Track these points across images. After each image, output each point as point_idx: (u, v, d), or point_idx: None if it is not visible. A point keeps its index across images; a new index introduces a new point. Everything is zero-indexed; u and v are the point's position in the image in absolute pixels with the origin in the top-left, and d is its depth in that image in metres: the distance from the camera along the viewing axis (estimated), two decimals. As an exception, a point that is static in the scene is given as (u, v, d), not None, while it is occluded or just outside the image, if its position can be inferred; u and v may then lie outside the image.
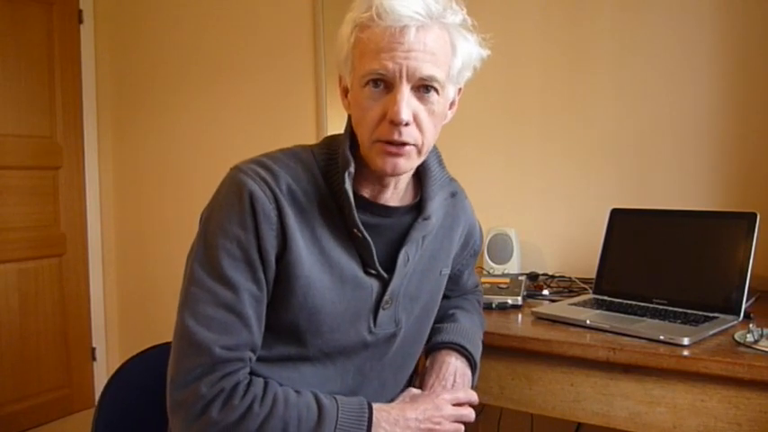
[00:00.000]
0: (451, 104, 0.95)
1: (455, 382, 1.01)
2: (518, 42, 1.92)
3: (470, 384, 1.04)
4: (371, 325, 0.93)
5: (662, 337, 1.10)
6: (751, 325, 1.11)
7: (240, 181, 0.85)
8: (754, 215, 1.27)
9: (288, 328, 0.88)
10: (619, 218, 1.50)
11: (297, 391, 0.86)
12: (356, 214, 0.88)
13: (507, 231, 1.83)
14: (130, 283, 2.94)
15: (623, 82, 1.77)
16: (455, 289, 1.20)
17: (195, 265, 0.84)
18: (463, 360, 1.05)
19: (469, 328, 1.10)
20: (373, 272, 0.92)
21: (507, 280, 1.52)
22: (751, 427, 1.01)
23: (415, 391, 0.99)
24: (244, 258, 0.84)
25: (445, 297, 1.15)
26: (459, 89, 0.96)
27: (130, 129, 2.92)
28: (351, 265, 0.91)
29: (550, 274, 1.81)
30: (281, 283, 0.86)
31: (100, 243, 2.98)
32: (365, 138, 0.87)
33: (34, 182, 2.72)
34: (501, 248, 1.83)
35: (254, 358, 0.86)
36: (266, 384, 0.84)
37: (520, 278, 1.53)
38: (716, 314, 1.23)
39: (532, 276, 1.76)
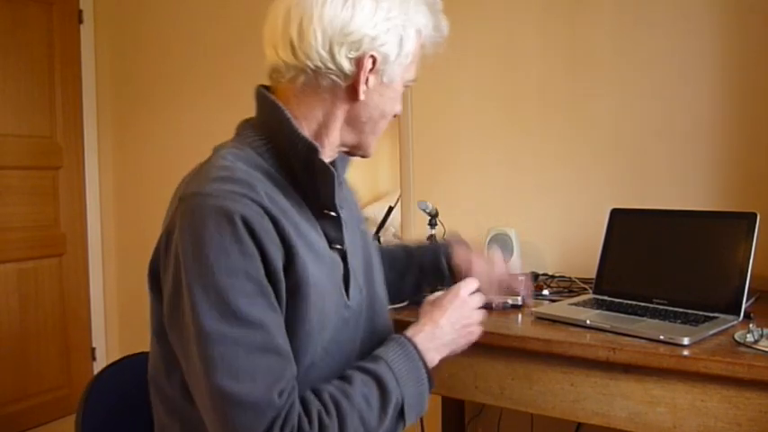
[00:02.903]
0: None
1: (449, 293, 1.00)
2: (518, 43, 1.92)
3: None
4: (346, 299, 0.91)
5: (662, 337, 1.10)
6: (751, 325, 1.11)
7: (223, 207, 0.75)
8: (754, 215, 1.26)
9: (302, 337, 0.83)
10: (619, 218, 1.50)
11: (341, 378, 0.83)
12: (336, 195, 0.88)
13: (507, 231, 1.82)
14: (130, 283, 2.94)
15: (623, 82, 1.77)
16: None
17: (203, 320, 0.73)
18: (468, 281, 1.02)
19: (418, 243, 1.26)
20: (338, 246, 0.92)
21: (507, 280, 1.51)
22: (751, 427, 1.01)
23: (431, 296, 0.99)
24: (257, 291, 0.76)
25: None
26: None
27: (130, 129, 2.92)
28: (326, 249, 0.89)
29: (550, 274, 1.81)
30: (294, 295, 0.81)
31: (100, 243, 2.98)
32: (379, 127, 0.92)
33: (34, 182, 2.72)
34: (501, 248, 1.82)
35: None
36: (315, 394, 0.80)
37: (520, 278, 1.52)
38: (716, 314, 1.23)
39: (532, 276, 1.75)
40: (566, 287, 1.64)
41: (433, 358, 0.91)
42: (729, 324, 1.18)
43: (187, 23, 2.69)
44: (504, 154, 1.97)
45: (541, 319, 1.32)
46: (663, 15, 1.70)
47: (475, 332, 0.98)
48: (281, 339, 0.78)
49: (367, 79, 0.86)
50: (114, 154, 2.98)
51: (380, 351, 0.87)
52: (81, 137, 2.90)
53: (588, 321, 1.23)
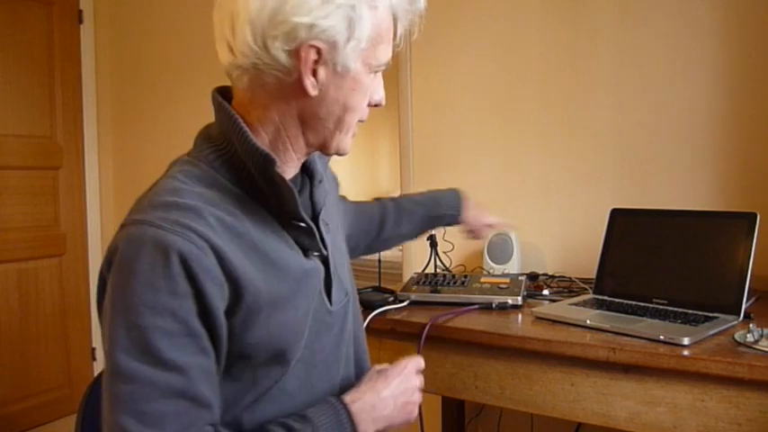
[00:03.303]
0: None
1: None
2: (518, 43, 1.92)
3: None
4: (328, 305, 0.88)
5: (662, 337, 1.10)
6: (751, 325, 1.11)
7: (160, 240, 0.69)
8: (754, 215, 1.27)
9: (271, 361, 0.80)
10: (619, 218, 1.50)
11: (263, 429, 0.77)
12: (299, 205, 0.80)
13: (507, 231, 1.82)
14: (130, 283, 2.93)
15: (623, 82, 1.77)
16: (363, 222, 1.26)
17: (119, 355, 0.68)
18: (417, 358, 1.01)
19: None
20: (316, 254, 0.87)
21: (507, 280, 1.51)
22: (751, 427, 1.01)
23: (378, 366, 0.94)
24: (183, 331, 0.70)
25: (365, 231, 1.25)
26: None
27: (130, 128, 2.92)
28: (295, 260, 0.82)
29: (550, 274, 1.81)
30: (246, 326, 0.76)
31: (100, 243, 2.98)
32: (349, 123, 0.82)
33: (34, 182, 2.72)
34: (501, 248, 1.83)
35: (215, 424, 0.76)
36: None
37: (520, 278, 1.52)
38: (716, 314, 1.23)
39: (532, 276, 1.76)
40: (566, 287, 1.64)
41: (365, 430, 0.82)
42: (729, 324, 1.18)
43: (187, 23, 2.69)
44: (504, 154, 1.97)
45: (541, 319, 1.32)
46: (663, 15, 1.70)
47: (414, 412, 0.90)
48: (204, 385, 0.72)
49: (315, 71, 0.76)
50: (114, 154, 2.98)
51: (311, 411, 0.79)
52: (81, 137, 2.90)
53: (588, 321, 1.23)
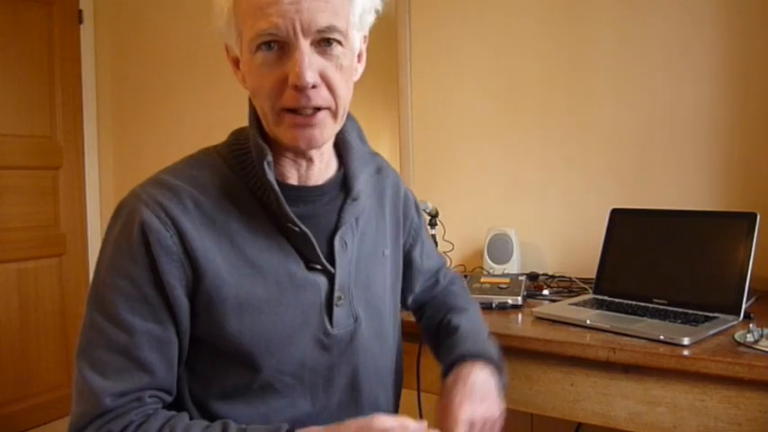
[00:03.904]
0: (359, 56, 0.84)
1: (478, 394, 0.85)
2: (517, 42, 1.92)
3: (499, 390, 0.90)
4: (327, 326, 0.83)
5: (662, 337, 1.10)
6: (751, 325, 1.11)
7: (132, 209, 0.76)
8: (754, 215, 1.27)
9: (235, 357, 0.79)
10: (619, 218, 1.50)
11: (207, 426, 0.75)
12: (287, 207, 0.78)
13: (507, 231, 1.83)
14: (130, 283, 2.93)
15: (623, 82, 1.77)
16: (418, 276, 1.09)
17: (89, 304, 0.77)
18: (484, 367, 0.90)
19: (472, 330, 0.98)
20: (318, 266, 0.83)
21: (507, 280, 1.52)
22: (751, 426, 1.01)
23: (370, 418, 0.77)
24: (139, 297, 0.74)
25: (424, 302, 1.09)
26: (365, 37, 0.85)
27: (130, 128, 2.92)
28: (286, 266, 0.80)
29: (550, 274, 1.81)
30: (208, 313, 0.77)
31: (100, 243, 2.97)
32: (267, 111, 0.77)
33: (34, 182, 2.72)
34: (501, 248, 1.83)
35: (166, 398, 0.78)
36: (168, 419, 0.74)
37: (520, 278, 1.52)
38: (716, 314, 1.23)
39: (532, 276, 1.76)
40: (566, 287, 1.64)
41: None
42: (729, 324, 1.18)
43: (187, 23, 2.69)
44: (504, 154, 1.97)
45: (541, 319, 1.32)
46: (664, 15, 1.70)
47: None
48: (149, 351, 0.75)
49: (237, 62, 0.82)
50: (114, 154, 2.98)
51: (253, 426, 0.75)
52: (81, 137, 2.90)
53: (588, 321, 1.23)
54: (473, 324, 1.02)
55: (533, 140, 1.92)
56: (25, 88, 2.68)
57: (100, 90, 2.96)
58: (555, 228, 1.89)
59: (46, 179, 2.77)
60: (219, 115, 2.57)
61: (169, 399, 0.79)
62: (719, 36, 1.64)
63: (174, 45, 2.73)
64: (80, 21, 2.87)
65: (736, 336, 1.10)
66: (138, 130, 2.88)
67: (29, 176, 2.70)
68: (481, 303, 1.43)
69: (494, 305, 1.43)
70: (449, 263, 1.93)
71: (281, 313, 0.80)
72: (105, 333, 0.74)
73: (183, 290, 0.76)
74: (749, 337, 1.08)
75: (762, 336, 1.08)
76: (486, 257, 1.83)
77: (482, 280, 1.53)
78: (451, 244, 1.95)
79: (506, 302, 1.43)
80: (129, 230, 0.75)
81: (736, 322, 1.20)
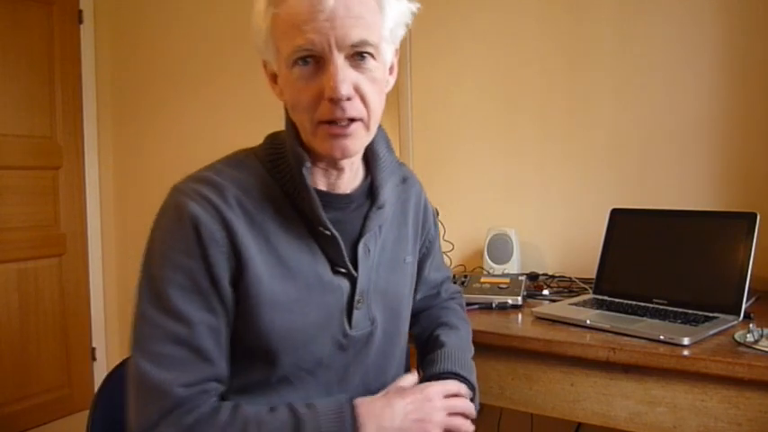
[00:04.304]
0: (391, 69, 0.88)
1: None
2: (517, 42, 1.92)
3: (473, 410, 0.95)
4: (347, 327, 0.88)
5: (662, 337, 1.10)
6: (751, 325, 1.11)
7: (181, 204, 0.78)
8: (754, 215, 1.27)
9: (259, 353, 0.82)
10: (619, 218, 1.50)
11: (272, 409, 0.79)
12: (322, 211, 0.83)
13: (507, 231, 1.83)
14: (130, 283, 2.91)
15: (623, 82, 1.77)
16: (422, 286, 1.12)
17: (142, 300, 0.78)
18: (446, 382, 0.95)
19: (458, 349, 1.02)
20: (343, 270, 0.87)
21: (507, 280, 1.52)
22: (751, 426, 1.01)
23: (403, 382, 0.91)
24: (194, 288, 0.77)
25: (421, 309, 1.11)
26: (396, 50, 0.88)
27: (130, 128, 2.92)
28: (315, 268, 0.85)
29: (550, 274, 1.81)
30: (244, 308, 0.80)
31: (100, 243, 2.98)
32: (306, 123, 0.81)
33: (34, 182, 2.72)
34: (501, 248, 1.83)
35: (221, 388, 0.81)
36: (235, 409, 0.77)
37: (520, 278, 1.52)
38: (716, 314, 1.23)
39: (532, 276, 1.76)
40: (566, 287, 1.64)
41: None
42: (729, 324, 1.18)
43: (187, 23, 2.69)
44: (504, 154, 1.97)
45: (541, 319, 1.32)
46: (664, 16, 1.70)
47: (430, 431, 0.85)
48: (208, 341, 0.78)
49: (275, 77, 0.86)
50: (114, 154, 2.98)
51: (319, 402, 0.81)
52: (81, 137, 2.90)
53: (588, 321, 1.23)
54: (460, 343, 1.05)
55: (533, 140, 1.92)
56: (25, 88, 2.68)
57: (100, 90, 2.96)
58: (555, 228, 1.89)
59: (46, 179, 2.77)
60: (219, 115, 2.57)
61: (223, 389, 0.81)
62: (720, 36, 1.64)
63: (174, 45, 2.73)
64: (80, 21, 2.87)
65: (736, 336, 1.10)
66: (138, 130, 2.88)
67: (29, 176, 2.70)
68: (481, 303, 1.44)
69: (494, 305, 1.43)
70: (449, 263, 1.93)
71: (308, 313, 0.84)
72: (163, 327, 0.76)
73: (229, 282, 0.79)
74: (749, 337, 1.08)
75: (762, 336, 1.08)
76: (486, 257, 1.83)
77: (482, 280, 1.53)
78: (451, 244, 1.95)
79: (506, 302, 1.43)
80: (180, 224, 0.78)
81: (736, 322, 1.20)
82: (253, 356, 0.83)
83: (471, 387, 0.97)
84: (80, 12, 2.87)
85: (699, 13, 1.66)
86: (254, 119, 2.45)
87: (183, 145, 2.70)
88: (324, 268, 0.86)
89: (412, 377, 0.93)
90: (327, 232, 0.84)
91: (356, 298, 0.88)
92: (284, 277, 0.82)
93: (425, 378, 0.97)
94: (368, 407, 0.81)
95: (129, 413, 0.77)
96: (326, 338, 0.86)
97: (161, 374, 0.75)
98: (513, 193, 1.96)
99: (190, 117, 2.68)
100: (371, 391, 0.92)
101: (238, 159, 0.87)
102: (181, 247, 0.77)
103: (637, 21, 1.74)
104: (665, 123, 1.72)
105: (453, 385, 0.92)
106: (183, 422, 0.74)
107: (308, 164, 0.83)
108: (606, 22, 1.78)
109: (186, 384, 0.75)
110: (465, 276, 1.58)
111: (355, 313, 0.89)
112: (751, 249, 1.25)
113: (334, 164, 0.86)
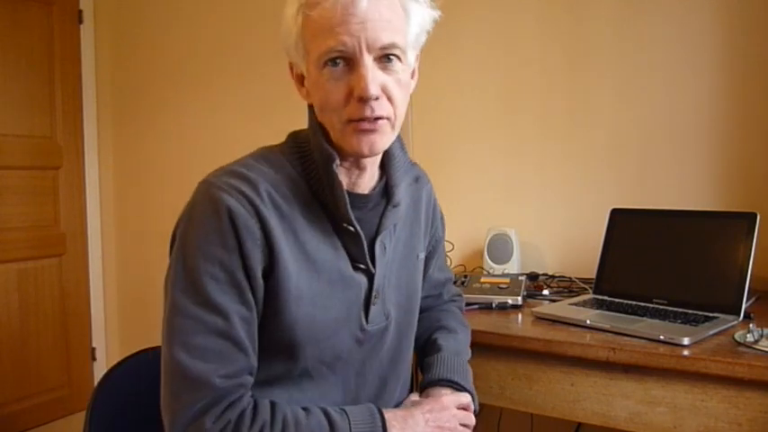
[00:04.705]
0: (412, 73, 0.92)
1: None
2: (517, 42, 1.92)
3: (473, 423, 0.99)
4: (364, 322, 0.91)
5: (662, 337, 1.10)
6: (751, 325, 1.11)
7: (216, 197, 0.79)
8: (754, 215, 1.27)
9: (282, 346, 0.84)
10: (619, 218, 1.50)
11: (305, 409, 0.82)
12: (349, 208, 0.85)
13: (507, 231, 1.83)
14: (130, 283, 2.94)
15: (624, 82, 1.77)
16: (424, 285, 1.13)
17: (177, 292, 0.79)
18: (458, 394, 1.00)
19: (455, 354, 1.05)
20: (362, 266, 0.90)
21: (507, 280, 1.52)
22: (751, 426, 1.01)
23: (414, 397, 0.99)
24: (229, 281, 0.79)
25: (422, 310, 1.11)
26: (417, 56, 0.92)
27: (130, 128, 2.92)
28: (338, 264, 0.87)
29: (550, 274, 1.81)
30: (272, 300, 0.82)
31: (100, 243, 2.98)
32: (335, 122, 0.83)
33: (34, 182, 2.72)
34: (501, 248, 1.83)
35: (252, 381, 0.82)
36: (273, 408, 0.80)
37: (520, 278, 1.53)
38: (716, 314, 1.23)
39: (532, 276, 1.76)
40: (566, 287, 1.64)
41: None
42: (729, 324, 1.18)
43: (187, 23, 2.69)
44: (504, 154, 1.97)
45: (541, 319, 1.32)
46: (665, 15, 1.70)
47: None
48: (243, 332, 0.79)
49: (301, 79, 0.88)
50: (114, 154, 2.98)
51: (350, 408, 0.85)
52: (81, 137, 2.90)
53: (588, 321, 1.23)
54: (457, 348, 1.09)
55: (533, 140, 1.92)
56: (25, 88, 2.68)
57: (100, 90, 2.96)
58: (555, 228, 1.89)
59: (46, 179, 2.77)
60: (219, 115, 2.57)
61: (253, 381, 0.82)
62: (720, 36, 1.64)
63: (175, 45, 2.73)
64: (80, 21, 2.87)
65: (736, 336, 1.10)
66: (138, 130, 2.88)
67: (29, 176, 2.70)
68: (481, 303, 1.44)
69: (494, 305, 1.43)
70: (449, 263, 1.93)
71: (330, 307, 0.86)
72: (201, 319, 0.77)
73: (261, 274, 0.81)
74: (749, 337, 1.08)
75: (762, 336, 1.08)
76: (486, 257, 1.83)
77: (482, 280, 1.54)
78: (452, 244, 1.94)
79: (506, 302, 1.43)
80: (217, 217, 0.78)
81: (736, 322, 1.20)
82: (276, 350, 0.84)
83: (467, 392, 1.01)
84: (80, 12, 2.87)
85: (699, 13, 1.66)
86: (254, 119, 2.45)
87: (182, 145, 2.69)
88: (345, 264, 0.88)
89: (415, 396, 1.00)
90: (352, 229, 0.87)
91: (373, 293, 0.91)
92: (310, 272, 0.84)
93: (422, 383, 1.02)
94: (391, 414, 0.86)
95: (163, 405, 0.78)
96: (346, 333, 0.89)
97: (200, 366, 0.76)
98: (513, 193, 1.96)
99: (190, 117, 2.68)
100: (387, 387, 0.97)
101: (265, 156, 0.88)
102: (217, 240, 0.78)
103: (637, 21, 1.74)
104: (665, 123, 1.72)
105: (465, 398, 0.98)
106: (226, 417, 0.75)
107: (338, 161, 0.85)
108: (606, 22, 1.78)
109: (225, 376, 0.77)
110: (465, 276, 1.59)
111: (372, 308, 0.91)
112: (751, 249, 1.25)
113: (357, 163, 0.89)
